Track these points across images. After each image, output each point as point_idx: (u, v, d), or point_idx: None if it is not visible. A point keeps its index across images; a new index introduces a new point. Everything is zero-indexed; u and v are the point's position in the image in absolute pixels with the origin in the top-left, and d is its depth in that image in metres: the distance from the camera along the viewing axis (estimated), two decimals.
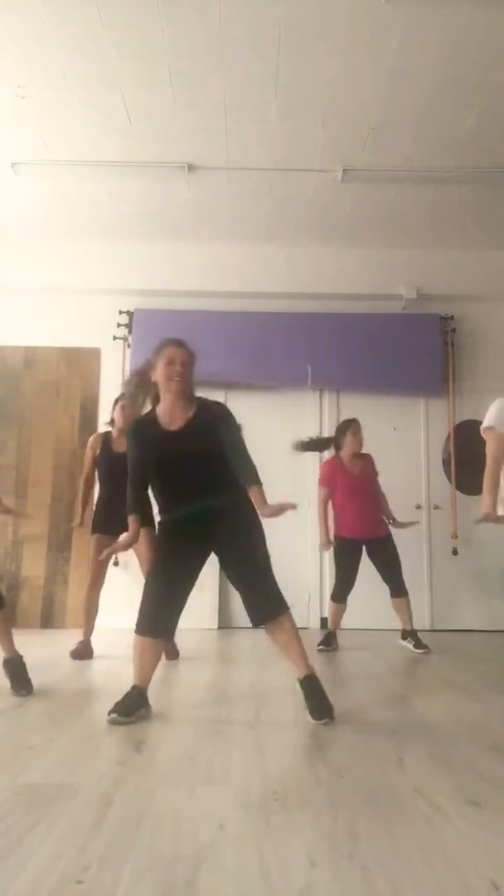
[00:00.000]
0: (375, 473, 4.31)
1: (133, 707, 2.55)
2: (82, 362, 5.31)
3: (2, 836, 1.55)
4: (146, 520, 3.76)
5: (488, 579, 4.80)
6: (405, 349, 5.21)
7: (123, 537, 2.75)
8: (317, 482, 4.38)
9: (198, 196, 4.57)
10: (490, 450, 3.00)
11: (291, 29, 3.06)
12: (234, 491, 2.66)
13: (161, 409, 2.70)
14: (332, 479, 4.23)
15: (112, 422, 4.09)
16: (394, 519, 4.28)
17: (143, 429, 2.71)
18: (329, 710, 2.52)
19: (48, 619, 4.93)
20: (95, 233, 5.10)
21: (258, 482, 2.64)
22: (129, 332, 5.23)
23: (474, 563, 5.03)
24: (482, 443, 3.20)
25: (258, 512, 2.64)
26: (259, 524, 2.67)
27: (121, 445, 3.93)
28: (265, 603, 2.61)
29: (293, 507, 2.59)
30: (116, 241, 5.21)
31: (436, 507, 5.21)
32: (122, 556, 4.49)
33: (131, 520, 2.70)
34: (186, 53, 3.22)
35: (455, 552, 5.07)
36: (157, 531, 2.77)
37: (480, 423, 3.15)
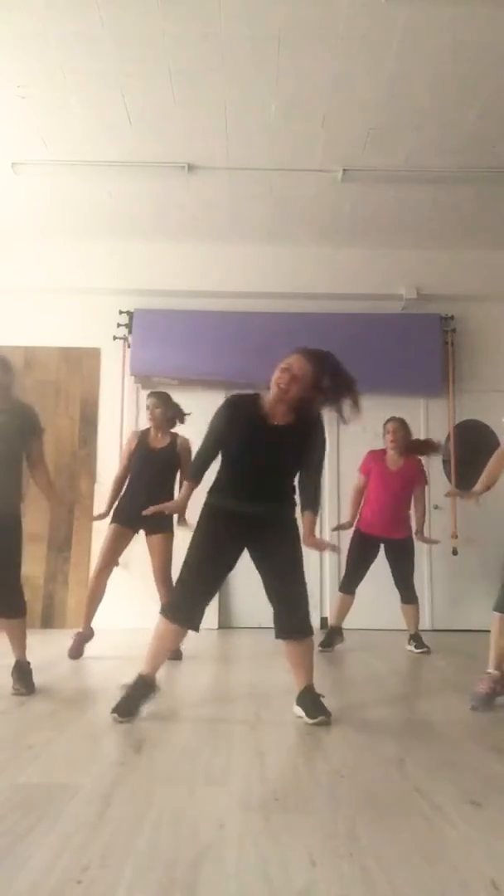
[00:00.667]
0: (420, 482, 4.25)
1: (136, 703, 2.54)
2: (82, 362, 5.30)
3: (2, 836, 1.55)
4: (167, 525, 3.78)
5: (488, 579, 4.79)
6: (405, 349, 5.21)
7: (176, 499, 2.80)
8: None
9: (198, 196, 4.56)
10: (495, 456, 3.08)
11: (291, 29, 3.05)
12: (290, 506, 2.67)
13: (268, 400, 2.66)
14: (369, 468, 4.23)
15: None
16: (420, 532, 4.26)
17: (241, 407, 2.67)
18: (323, 709, 2.52)
19: (48, 619, 4.92)
20: (95, 233, 5.10)
21: (315, 511, 2.67)
22: (129, 332, 5.22)
23: (474, 563, 5.03)
24: (482, 442, 3.21)
25: (304, 539, 2.65)
26: (300, 543, 2.66)
27: (158, 443, 3.92)
28: (298, 621, 2.61)
29: (335, 550, 2.65)
30: (116, 240, 5.20)
31: (436, 507, 5.20)
32: (123, 556, 4.48)
33: (186, 485, 2.72)
34: (186, 53, 3.22)
35: (455, 552, 5.07)
36: (202, 512, 2.68)
37: (480, 423, 3.16)
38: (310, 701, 2.55)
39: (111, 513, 3.96)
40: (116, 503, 3.97)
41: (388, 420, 4.32)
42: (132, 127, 3.79)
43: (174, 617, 2.61)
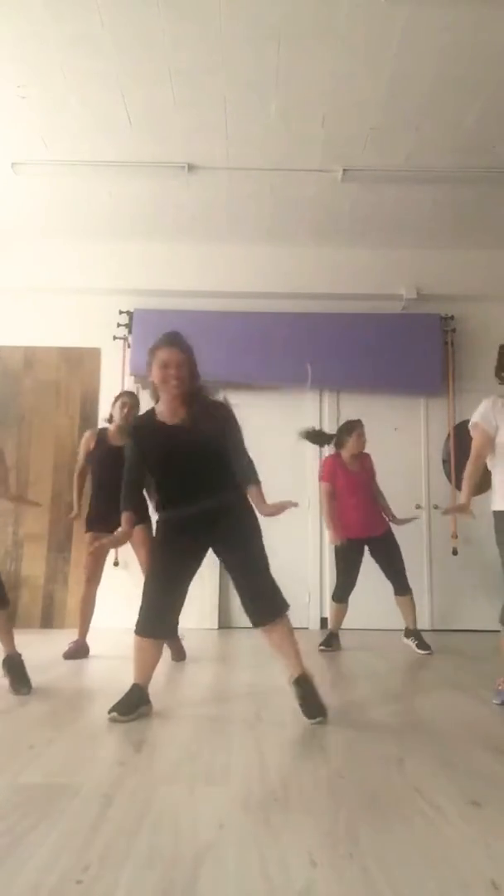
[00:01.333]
0: (374, 472, 4.32)
1: (133, 706, 2.56)
2: (82, 362, 5.30)
3: (2, 836, 1.55)
4: (143, 518, 3.78)
5: (488, 579, 4.79)
6: (405, 349, 5.21)
7: (117, 533, 2.72)
8: (316, 482, 4.37)
9: (198, 196, 4.56)
10: (474, 445, 3.05)
11: (291, 29, 3.05)
12: (233, 491, 2.65)
13: (161, 408, 2.70)
14: (333, 476, 4.24)
15: (111, 418, 4.10)
16: (393, 516, 4.28)
17: (143, 426, 2.72)
18: (322, 709, 2.52)
19: (48, 619, 4.93)
20: (95, 233, 5.10)
21: (257, 481, 2.64)
22: (129, 332, 5.22)
23: (474, 563, 5.03)
24: None
25: (258, 511, 2.64)
26: (257, 525, 2.66)
27: (117, 440, 3.94)
28: (264, 605, 2.61)
29: (294, 505, 2.59)
30: (116, 240, 5.20)
31: (436, 507, 5.20)
32: (122, 555, 4.49)
33: (124, 517, 2.70)
34: (186, 53, 3.22)
35: (455, 552, 5.07)
36: (157, 529, 2.75)
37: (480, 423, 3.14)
38: (307, 693, 2.54)
39: (86, 521, 4.02)
40: (88, 510, 4.04)
41: (356, 421, 4.30)
42: (132, 127, 3.79)
43: (143, 630, 2.63)
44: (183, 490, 2.63)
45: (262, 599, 2.61)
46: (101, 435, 4.07)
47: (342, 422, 4.82)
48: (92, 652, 3.88)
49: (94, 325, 5.26)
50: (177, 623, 2.70)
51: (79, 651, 3.84)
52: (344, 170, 4.16)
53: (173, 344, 2.65)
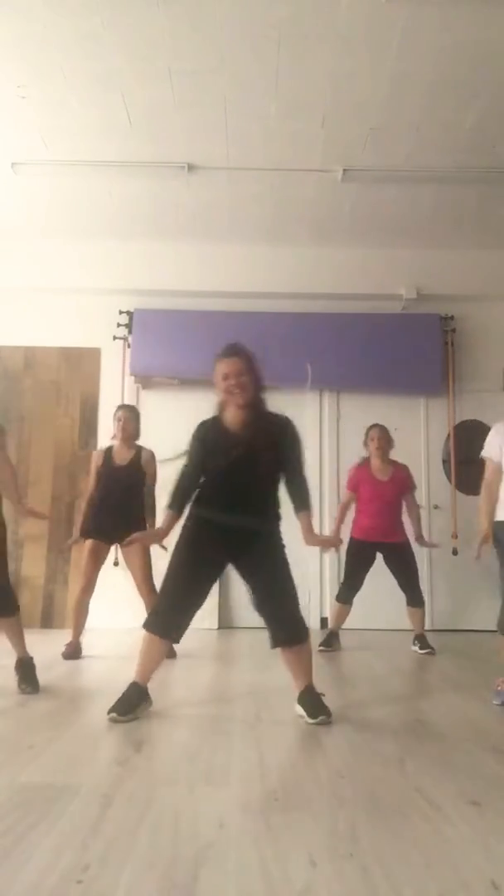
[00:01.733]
0: (411, 486, 4.27)
1: (132, 705, 2.55)
2: (82, 362, 5.30)
3: (2, 836, 1.55)
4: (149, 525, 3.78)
5: (489, 579, 4.79)
6: (405, 349, 5.20)
7: (157, 528, 2.69)
8: (319, 484, 4.36)
9: (198, 196, 4.56)
10: (486, 477, 3.17)
11: (291, 29, 3.05)
12: (273, 517, 2.66)
13: (226, 416, 2.68)
14: (357, 482, 4.23)
15: (115, 436, 4.08)
16: (421, 536, 4.27)
17: (209, 427, 2.69)
18: (324, 709, 2.52)
19: (48, 619, 4.92)
20: (95, 232, 5.10)
21: (309, 508, 2.64)
22: (129, 332, 5.22)
23: (475, 564, 5.01)
24: (482, 443, 3.23)
25: (304, 538, 2.65)
26: (285, 555, 2.66)
27: (121, 458, 3.95)
28: (290, 630, 2.61)
29: (338, 544, 2.58)
30: (116, 240, 5.20)
31: (436, 507, 5.21)
32: (121, 555, 4.49)
33: (169, 515, 2.64)
34: (186, 53, 3.21)
35: (455, 552, 5.07)
36: (187, 523, 2.67)
37: (480, 423, 3.20)
38: (310, 701, 2.56)
39: (83, 528, 4.01)
40: (84, 520, 4.02)
41: (371, 427, 4.33)
42: (132, 127, 3.79)
43: (154, 627, 2.61)
44: (228, 499, 2.60)
45: (289, 624, 2.60)
46: (107, 453, 4.05)
47: (342, 422, 4.83)
48: (92, 652, 3.87)
49: (94, 325, 5.26)
50: (187, 626, 2.66)
51: (75, 652, 3.84)
52: (344, 170, 4.16)
53: (232, 354, 2.66)
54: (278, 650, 2.66)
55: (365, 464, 4.28)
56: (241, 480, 2.58)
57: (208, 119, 3.72)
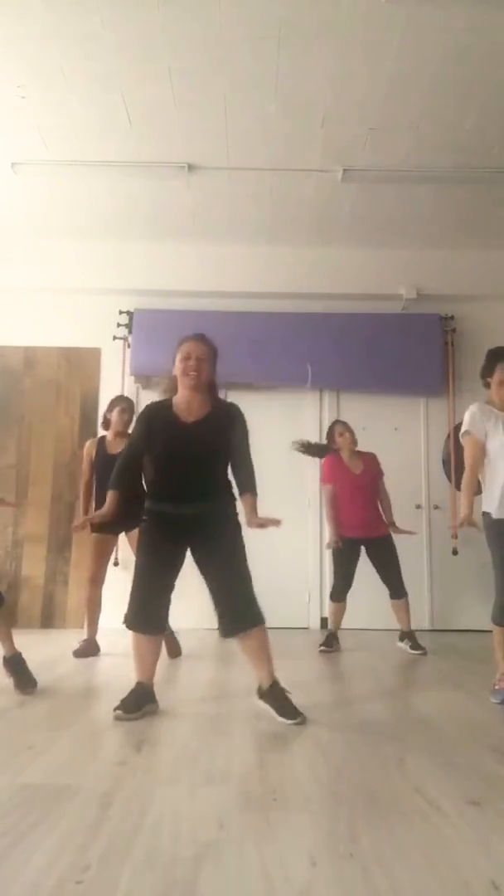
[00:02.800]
0: (380, 473, 4.31)
1: (137, 703, 2.56)
2: (82, 362, 5.30)
3: (2, 836, 1.55)
4: (139, 520, 3.77)
5: (488, 579, 4.79)
6: (405, 349, 5.21)
7: (102, 510, 2.77)
8: (316, 483, 4.36)
9: (198, 196, 4.56)
10: (468, 454, 3.05)
11: (291, 29, 3.05)
12: (226, 498, 2.68)
13: (177, 401, 2.71)
14: (334, 476, 4.23)
15: (107, 423, 4.10)
16: (392, 522, 4.27)
17: (156, 414, 2.72)
18: (296, 710, 2.51)
19: (48, 619, 4.92)
20: (95, 233, 5.10)
21: (254, 491, 2.66)
22: (129, 332, 5.22)
23: (474, 563, 5.02)
24: None
25: (248, 520, 2.65)
26: (240, 534, 2.68)
27: (115, 448, 3.95)
28: (241, 616, 2.61)
29: (278, 523, 2.59)
30: (116, 241, 5.20)
31: (436, 507, 5.21)
32: (121, 555, 4.49)
33: (110, 495, 2.72)
34: (186, 53, 3.21)
35: (455, 552, 5.07)
36: (142, 521, 2.74)
37: None
38: (280, 700, 2.55)
39: (91, 524, 3.99)
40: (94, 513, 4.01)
41: (335, 423, 4.38)
42: (132, 127, 3.79)
43: (130, 623, 2.65)
44: (177, 488, 2.64)
45: (239, 610, 2.60)
46: (100, 442, 4.09)
47: None
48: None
49: (94, 325, 5.26)
50: (164, 619, 2.68)
51: (89, 649, 3.84)
52: (344, 170, 4.16)
53: (199, 339, 2.72)
54: (244, 657, 2.67)
55: (335, 458, 4.28)
56: (188, 468, 2.61)
57: (208, 119, 3.72)
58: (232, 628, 2.61)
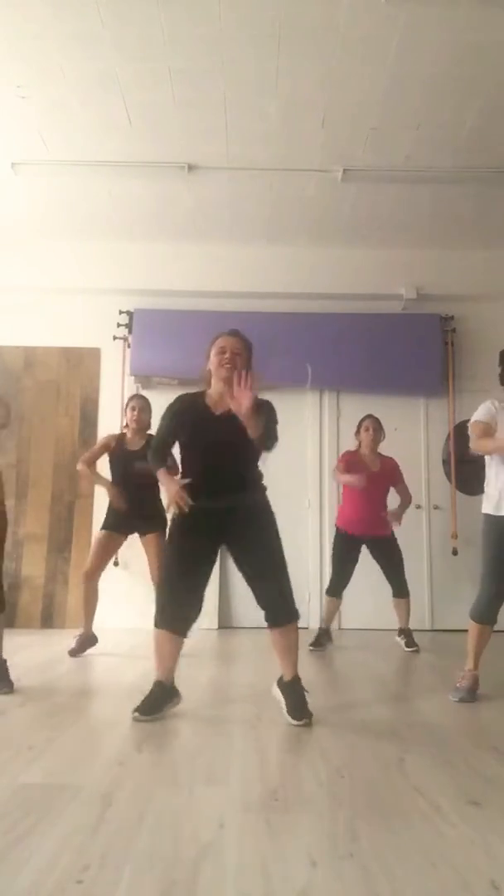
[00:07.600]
0: (398, 479, 4.26)
1: (156, 705, 2.56)
2: (82, 362, 5.30)
3: (2, 836, 1.55)
4: (159, 523, 3.77)
5: None
6: (405, 349, 5.20)
7: (169, 485, 2.67)
8: (319, 484, 4.33)
9: (198, 196, 4.56)
10: (476, 434, 3.03)
11: (291, 29, 3.05)
12: (259, 489, 2.68)
13: (210, 393, 2.71)
14: (349, 469, 4.19)
15: (127, 425, 4.11)
16: (392, 512, 4.17)
17: (186, 405, 2.71)
18: (308, 711, 2.51)
19: (48, 619, 4.92)
20: (95, 233, 5.10)
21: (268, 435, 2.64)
22: (129, 332, 5.22)
23: (474, 563, 5.01)
24: None
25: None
26: (276, 524, 2.67)
27: (134, 444, 3.97)
28: (284, 605, 2.62)
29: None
30: (116, 240, 5.20)
31: (436, 507, 5.21)
32: (122, 555, 4.49)
33: (161, 473, 2.70)
34: (186, 53, 3.21)
35: (455, 552, 5.07)
36: (173, 516, 2.69)
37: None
38: (296, 697, 2.55)
39: (104, 522, 4.02)
40: (107, 514, 4.02)
41: (366, 417, 4.32)
42: (132, 127, 3.79)
43: (159, 620, 2.63)
44: (213, 481, 2.61)
45: (281, 599, 2.62)
46: (121, 439, 4.09)
47: (342, 422, 4.82)
48: (93, 651, 3.87)
49: (94, 325, 5.26)
50: (192, 619, 2.66)
51: (85, 643, 3.84)
52: (344, 170, 4.16)
53: (234, 335, 2.73)
54: (275, 649, 2.67)
55: (355, 453, 4.27)
56: (220, 460, 2.60)
57: (208, 119, 3.72)
58: (278, 620, 2.62)
